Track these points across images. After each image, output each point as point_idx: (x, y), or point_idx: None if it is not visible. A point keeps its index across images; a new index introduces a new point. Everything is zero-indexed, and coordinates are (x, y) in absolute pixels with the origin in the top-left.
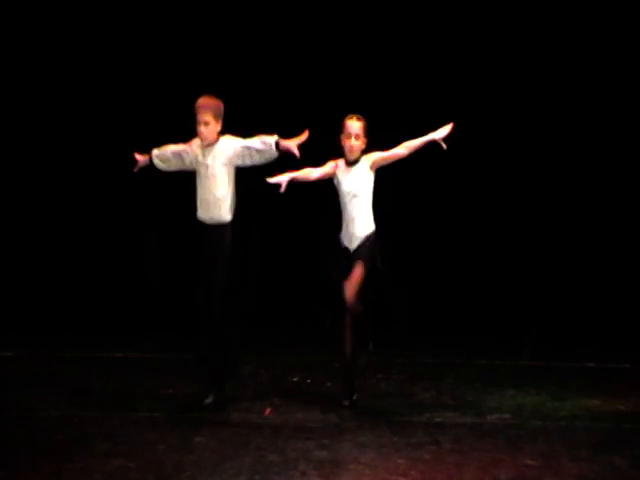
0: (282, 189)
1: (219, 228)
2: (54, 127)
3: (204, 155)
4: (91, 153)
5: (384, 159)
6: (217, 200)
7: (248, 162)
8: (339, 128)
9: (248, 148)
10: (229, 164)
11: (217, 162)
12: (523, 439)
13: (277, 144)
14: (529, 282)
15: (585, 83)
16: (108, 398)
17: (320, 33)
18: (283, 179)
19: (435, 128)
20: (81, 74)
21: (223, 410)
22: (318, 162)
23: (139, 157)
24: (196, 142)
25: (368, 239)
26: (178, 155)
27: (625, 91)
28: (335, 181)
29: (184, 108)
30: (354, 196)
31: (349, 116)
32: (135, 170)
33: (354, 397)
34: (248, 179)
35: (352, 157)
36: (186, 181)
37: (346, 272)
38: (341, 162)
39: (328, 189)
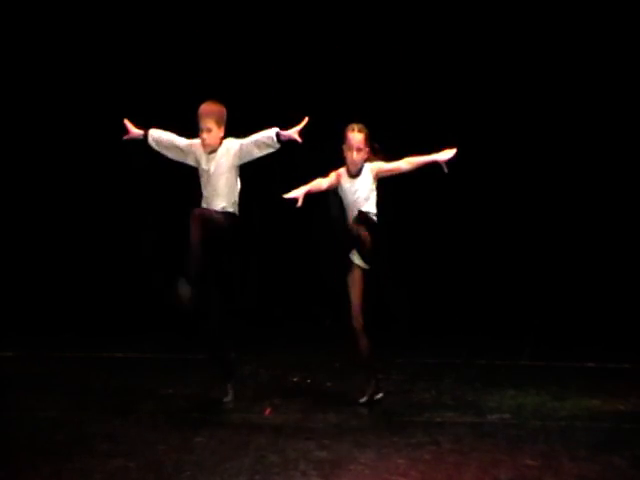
0: (299, 204)
1: (222, 213)
2: (53, 127)
3: (207, 160)
4: (91, 154)
5: (387, 171)
6: (220, 202)
7: (251, 157)
8: (340, 132)
9: (248, 145)
10: (232, 167)
11: (220, 167)
12: (523, 439)
13: (278, 135)
14: (529, 282)
15: (581, 84)
16: (108, 398)
17: (320, 33)
18: (299, 193)
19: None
20: (81, 72)
21: (223, 410)
22: (319, 161)
23: (131, 127)
24: (200, 145)
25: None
26: (180, 150)
27: (623, 93)
28: (339, 191)
29: (184, 107)
30: (359, 204)
31: (350, 128)
32: (124, 138)
33: (377, 397)
34: (249, 178)
35: (354, 169)
36: (184, 177)
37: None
38: (343, 171)
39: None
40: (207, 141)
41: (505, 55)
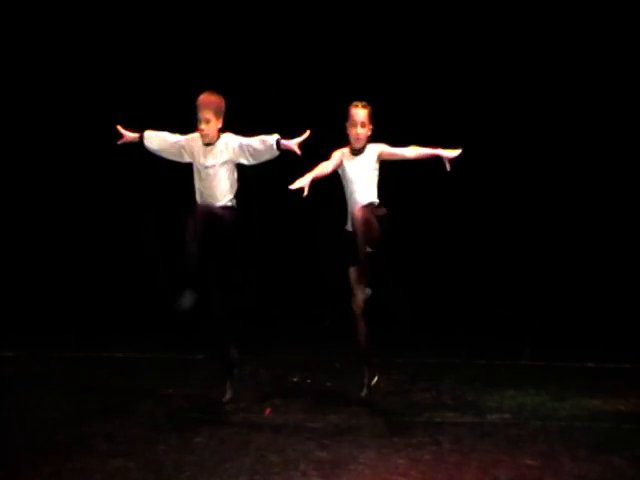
0: (305, 193)
1: (225, 208)
2: (53, 127)
3: (204, 153)
4: (91, 154)
5: (391, 155)
6: (218, 198)
7: (248, 161)
8: (343, 131)
9: (248, 147)
10: (229, 162)
11: (217, 161)
12: (523, 439)
13: (278, 143)
14: (529, 282)
15: (582, 86)
16: (108, 398)
17: (320, 33)
18: (305, 182)
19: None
20: (79, 66)
21: (223, 410)
22: (319, 160)
23: (124, 131)
24: (196, 139)
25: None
26: (175, 147)
27: (623, 94)
28: (340, 170)
29: (184, 106)
30: (362, 184)
31: (354, 104)
32: (119, 143)
33: (373, 381)
34: (249, 178)
35: (358, 145)
36: (183, 174)
37: (356, 259)
38: (346, 150)
39: (328, 188)
40: (205, 132)
41: (508, 57)
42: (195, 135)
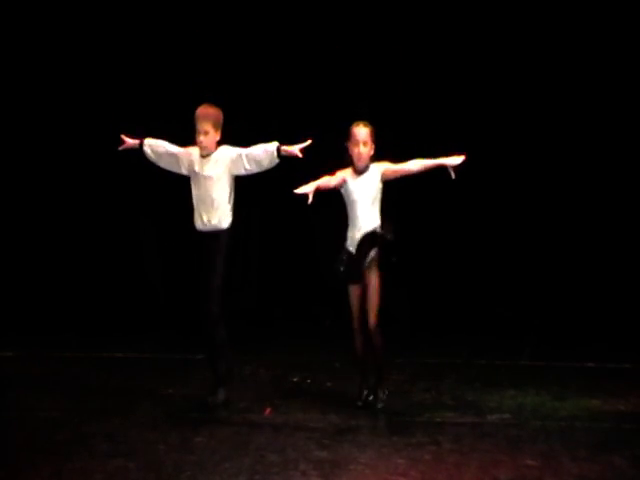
0: (310, 200)
1: (216, 235)
2: (52, 128)
3: (202, 165)
4: (91, 155)
5: (395, 172)
6: (215, 209)
7: (248, 170)
8: (343, 131)
9: (247, 156)
10: (228, 173)
11: (215, 172)
12: (523, 439)
13: (278, 150)
14: (529, 282)
15: (580, 87)
16: (108, 398)
17: (320, 33)
18: (309, 189)
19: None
20: (79, 69)
21: (223, 410)
22: (320, 163)
23: (126, 138)
24: (194, 151)
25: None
26: (174, 157)
27: (623, 95)
28: (343, 190)
29: (184, 108)
30: (366, 204)
31: (356, 123)
32: (120, 148)
33: (370, 398)
34: (249, 179)
35: (361, 164)
36: (182, 179)
37: (355, 276)
38: (349, 171)
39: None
40: (204, 143)
41: (510, 61)
42: (192, 148)
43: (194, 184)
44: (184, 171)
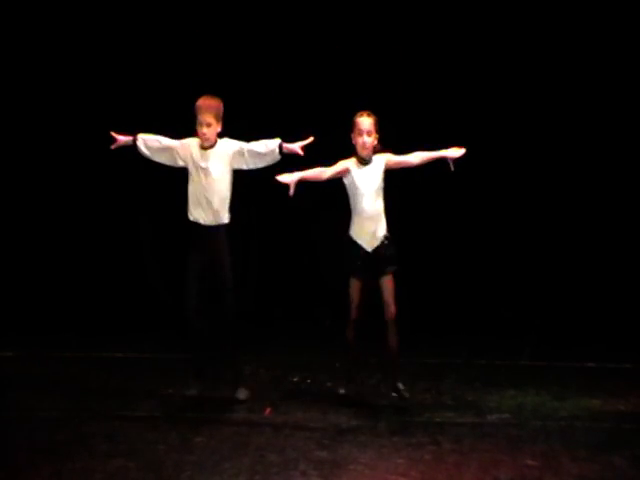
0: (291, 192)
1: (217, 229)
2: (52, 127)
3: (203, 157)
4: (90, 155)
5: (397, 163)
6: (216, 203)
7: (249, 165)
8: (344, 126)
9: (249, 150)
10: (229, 166)
11: (217, 164)
12: (523, 439)
13: (280, 147)
14: (529, 282)
15: (581, 86)
16: (108, 398)
17: (320, 33)
18: (292, 179)
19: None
20: (77, 67)
21: (223, 410)
22: (320, 162)
23: (117, 136)
24: (193, 143)
25: (388, 240)
26: (169, 150)
27: (623, 95)
28: (347, 180)
29: (183, 106)
30: (371, 195)
31: (359, 113)
32: (112, 147)
33: (393, 394)
34: (249, 179)
35: (365, 154)
36: (179, 176)
37: (361, 271)
38: (353, 160)
39: (327, 188)
40: (207, 135)
41: (510, 58)
42: (191, 140)
43: (193, 177)
44: (181, 163)
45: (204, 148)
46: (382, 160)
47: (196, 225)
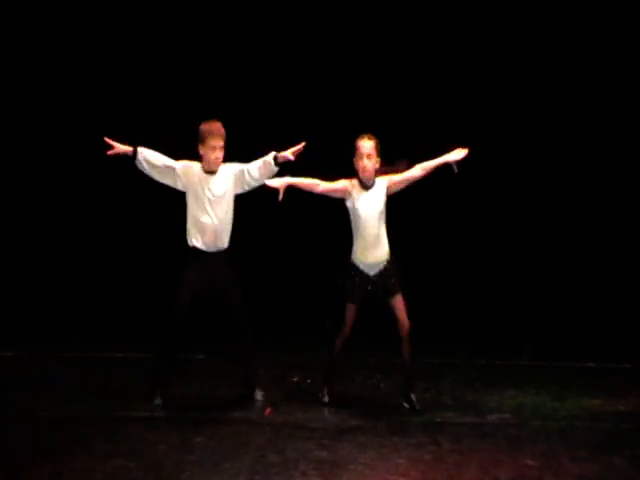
0: (280, 196)
1: (221, 254)
2: (52, 129)
3: (208, 183)
4: (90, 155)
5: (400, 182)
6: (221, 227)
7: (250, 185)
8: (344, 126)
9: (249, 171)
10: (232, 191)
11: (222, 189)
12: (523, 439)
13: (275, 158)
14: (529, 282)
15: (582, 87)
16: (108, 398)
17: (320, 33)
18: (282, 184)
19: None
20: (78, 71)
21: (223, 410)
22: (320, 162)
23: (115, 143)
24: (195, 167)
25: (391, 264)
26: (170, 170)
27: (623, 96)
28: (349, 203)
29: (184, 108)
30: (373, 219)
31: (360, 136)
32: (109, 154)
33: (405, 405)
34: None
35: (366, 178)
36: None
37: (360, 297)
38: (356, 182)
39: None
40: (220, 159)
41: (511, 59)
42: (192, 164)
43: (194, 202)
44: (179, 186)
45: (208, 173)
46: (384, 183)
47: (196, 251)
